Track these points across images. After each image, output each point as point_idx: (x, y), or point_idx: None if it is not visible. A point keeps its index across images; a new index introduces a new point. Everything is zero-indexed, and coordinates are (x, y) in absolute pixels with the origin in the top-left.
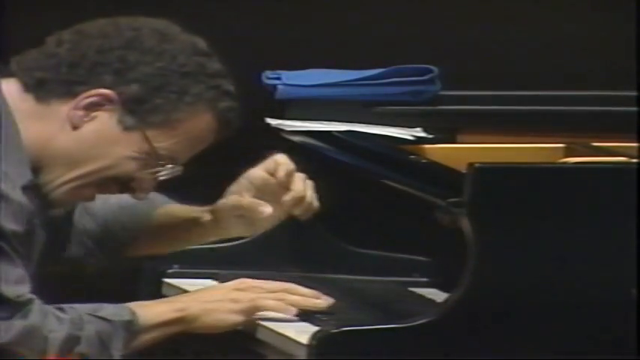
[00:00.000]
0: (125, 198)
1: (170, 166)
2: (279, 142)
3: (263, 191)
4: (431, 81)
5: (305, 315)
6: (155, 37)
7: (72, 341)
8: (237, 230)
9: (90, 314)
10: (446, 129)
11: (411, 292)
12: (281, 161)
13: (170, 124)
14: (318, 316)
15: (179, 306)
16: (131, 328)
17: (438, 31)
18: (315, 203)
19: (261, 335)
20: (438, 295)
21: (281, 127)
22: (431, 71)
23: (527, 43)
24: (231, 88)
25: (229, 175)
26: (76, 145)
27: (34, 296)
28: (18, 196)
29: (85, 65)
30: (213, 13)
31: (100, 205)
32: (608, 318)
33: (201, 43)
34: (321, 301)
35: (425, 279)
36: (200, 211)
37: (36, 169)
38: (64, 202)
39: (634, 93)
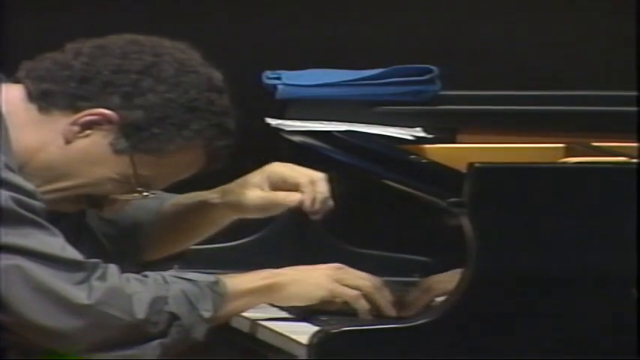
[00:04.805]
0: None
1: (145, 192)
2: (279, 142)
3: (279, 187)
4: (431, 81)
5: (304, 314)
6: (174, 67)
7: (159, 301)
8: (251, 212)
9: (173, 276)
10: (446, 129)
11: None
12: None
13: (160, 153)
14: (318, 315)
15: (267, 274)
16: (217, 289)
17: (438, 31)
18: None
19: (261, 335)
20: None
21: (281, 127)
22: (431, 71)
23: (528, 43)
24: (232, 126)
25: (229, 174)
26: (63, 158)
27: (98, 260)
28: (26, 183)
29: (97, 83)
30: (213, 13)
31: None
32: (608, 318)
33: (217, 77)
34: (394, 310)
35: None
36: (209, 194)
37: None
38: None
39: (634, 93)
